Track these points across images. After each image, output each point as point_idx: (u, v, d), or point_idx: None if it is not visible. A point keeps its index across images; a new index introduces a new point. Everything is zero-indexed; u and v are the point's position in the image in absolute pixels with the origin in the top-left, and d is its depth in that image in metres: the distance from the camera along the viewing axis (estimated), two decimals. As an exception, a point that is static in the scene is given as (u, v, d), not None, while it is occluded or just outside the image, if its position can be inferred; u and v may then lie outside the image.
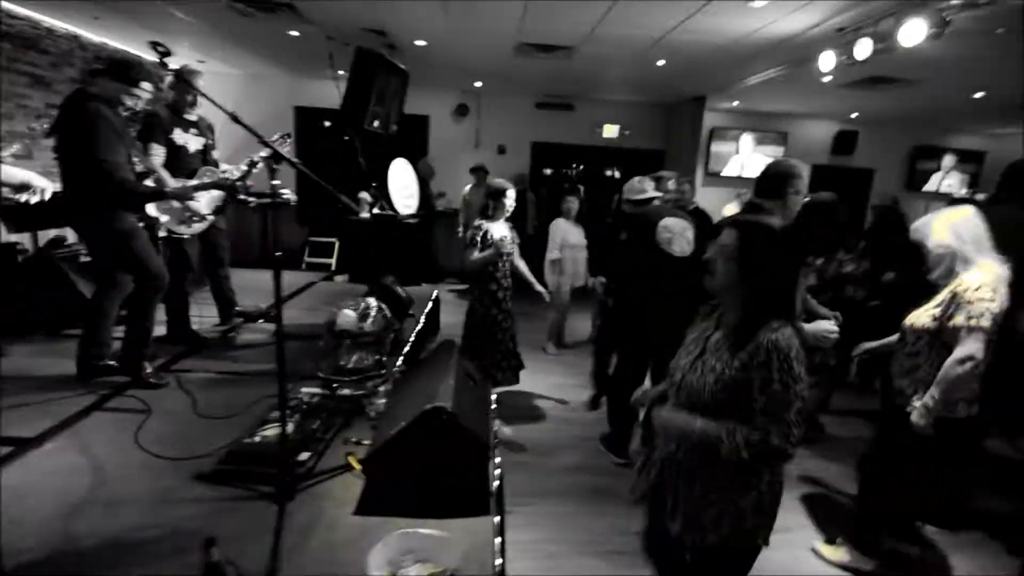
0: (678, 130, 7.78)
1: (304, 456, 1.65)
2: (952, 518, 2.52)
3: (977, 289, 1.75)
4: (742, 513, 1.26)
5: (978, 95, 5.93)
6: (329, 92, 4.92)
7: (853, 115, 7.64)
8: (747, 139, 7.98)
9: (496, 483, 1.65)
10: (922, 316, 1.91)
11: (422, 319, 3.34)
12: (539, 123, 7.87)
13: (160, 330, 2.62)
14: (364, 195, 4.06)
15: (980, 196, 8.37)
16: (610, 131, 7.86)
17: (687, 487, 1.32)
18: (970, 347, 1.73)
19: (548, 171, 8.33)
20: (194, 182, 2.73)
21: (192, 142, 2.84)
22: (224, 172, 2.90)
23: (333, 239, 7.06)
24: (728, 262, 1.27)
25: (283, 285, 1.46)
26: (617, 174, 8.28)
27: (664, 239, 2.58)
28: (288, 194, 2.69)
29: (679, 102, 7.57)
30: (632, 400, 1.62)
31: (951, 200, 4.31)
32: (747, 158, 7.93)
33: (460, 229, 6.59)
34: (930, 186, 8.37)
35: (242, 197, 2.78)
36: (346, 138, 3.72)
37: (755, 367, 1.20)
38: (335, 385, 2.09)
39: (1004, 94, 5.86)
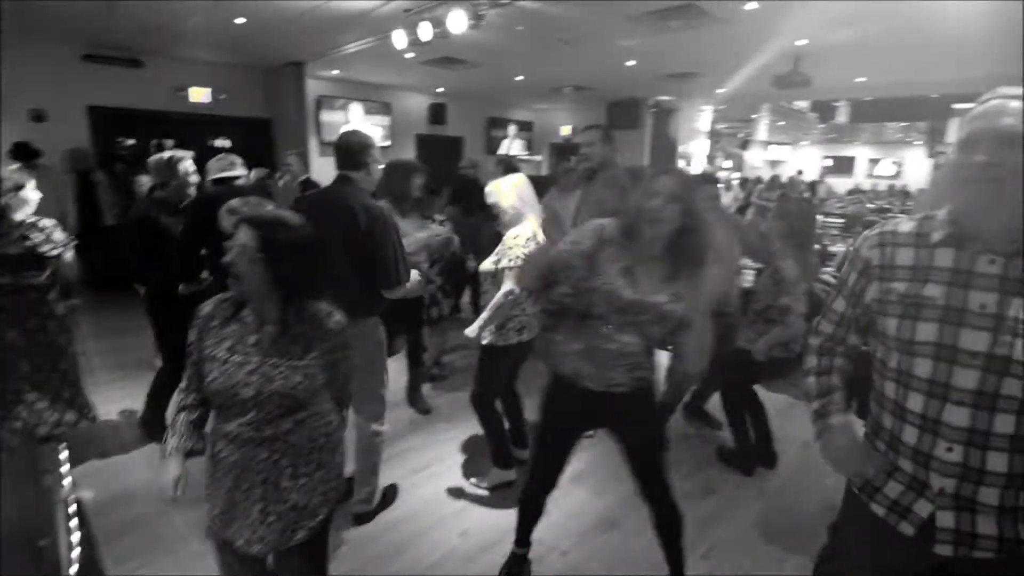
0: (282, 97, 7.34)
1: None
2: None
3: (515, 238, 2.26)
4: (339, 471, 1.43)
5: (519, 78, 7.57)
6: None
7: (439, 89, 8.72)
8: (356, 109, 8.18)
9: (75, 568, 1.28)
10: (487, 263, 2.38)
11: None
12: (94, 82, 6.10)
13: None
14: None
15: (536, 158, 10.98)
16: (198, 95, 6.78)
17: (289, 483, 1.32)
18: (510, 284, 2.24)
19: (130, 141, 6.65)
20: None
21: None
22: None
23: None
24: (253, 263, 1.21)
25: None
26: (228, 143, 7.30)
27: (229, 223, 2.34)
28: None
29: (278, 67, 7.11)
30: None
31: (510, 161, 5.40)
32: (359, 128, 8.15)
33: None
34: (501, 150, 10.43)
35: None
36: None
37: (329, 352, 1.32)
38: None
39: (536, 79, 7.68)
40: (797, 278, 2.53)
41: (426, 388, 3.75)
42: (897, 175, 16.59)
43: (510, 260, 2.22)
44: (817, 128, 13.72)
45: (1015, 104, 0.94)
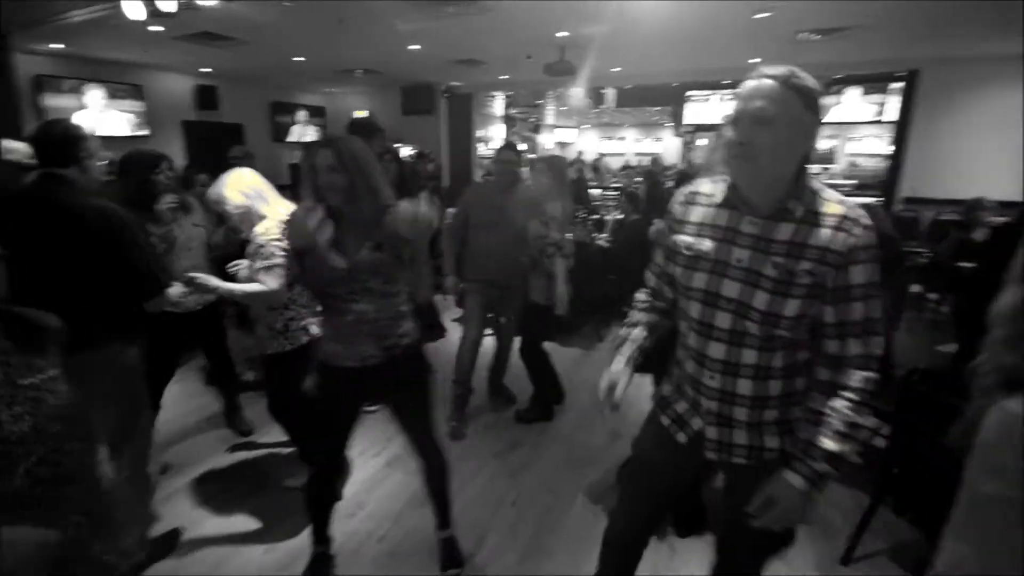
0: (-21, 76, 5.74)
1: None
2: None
3: (264, 234, 2.01)
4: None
5: (299, 59, 7.05)
6: None
7: (205, 69, 7.68)
8: (96, 92, 6.79)
9: None
10: (242, 273, 2.10)
11: None
12: None
13: None
14: None
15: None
16: None
17: None
18: (271, 283, 1.97)
19: None
20: None
21: None
22: None
23: None
24: None
25: None
26: None
27: None
28: None
29: (-34, 37, 5.52)
30: None
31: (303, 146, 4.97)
32: (100, 114, 6.81)
33: None
34: (292, 137, 9.67)
35: None
36: None
37: None
38: None
39: (321, 61, 7.22)
40: (565, 217, 2.95)
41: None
42: (658, 153, 19.63)
43: (265, 259, 1.98)
44: (592, 112, 15.43)
45: (767, 83, 1.03)
